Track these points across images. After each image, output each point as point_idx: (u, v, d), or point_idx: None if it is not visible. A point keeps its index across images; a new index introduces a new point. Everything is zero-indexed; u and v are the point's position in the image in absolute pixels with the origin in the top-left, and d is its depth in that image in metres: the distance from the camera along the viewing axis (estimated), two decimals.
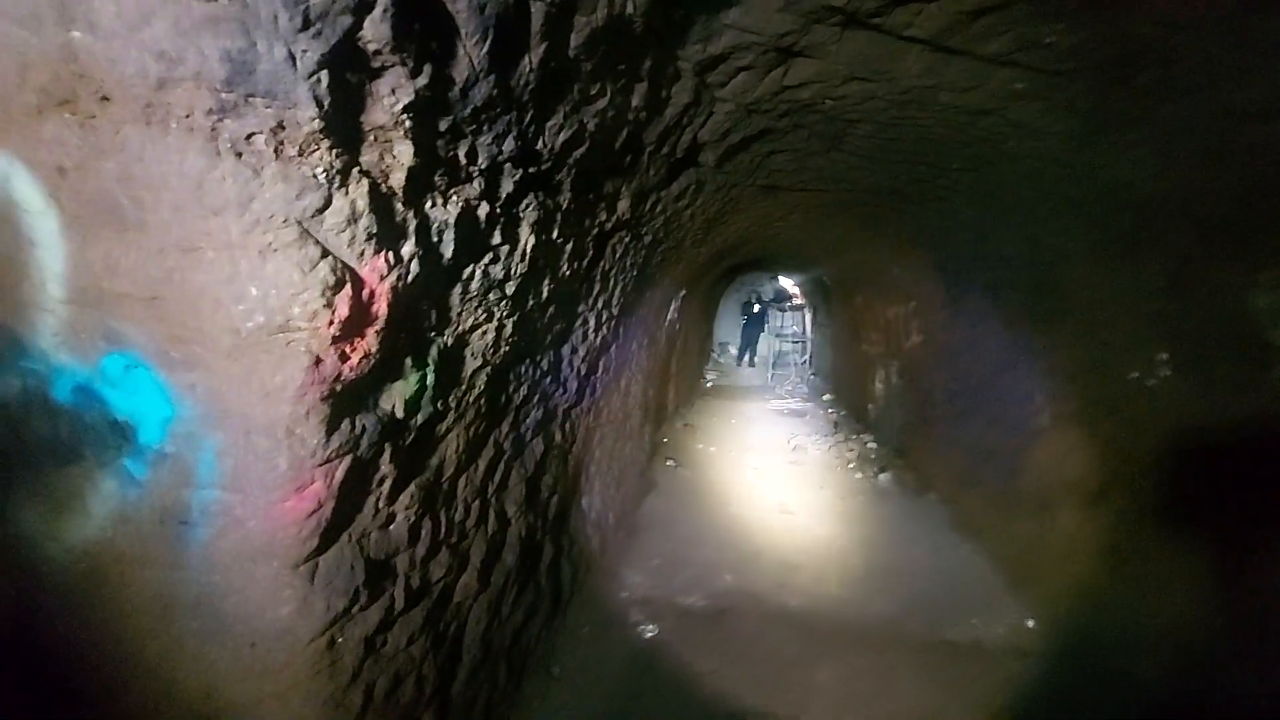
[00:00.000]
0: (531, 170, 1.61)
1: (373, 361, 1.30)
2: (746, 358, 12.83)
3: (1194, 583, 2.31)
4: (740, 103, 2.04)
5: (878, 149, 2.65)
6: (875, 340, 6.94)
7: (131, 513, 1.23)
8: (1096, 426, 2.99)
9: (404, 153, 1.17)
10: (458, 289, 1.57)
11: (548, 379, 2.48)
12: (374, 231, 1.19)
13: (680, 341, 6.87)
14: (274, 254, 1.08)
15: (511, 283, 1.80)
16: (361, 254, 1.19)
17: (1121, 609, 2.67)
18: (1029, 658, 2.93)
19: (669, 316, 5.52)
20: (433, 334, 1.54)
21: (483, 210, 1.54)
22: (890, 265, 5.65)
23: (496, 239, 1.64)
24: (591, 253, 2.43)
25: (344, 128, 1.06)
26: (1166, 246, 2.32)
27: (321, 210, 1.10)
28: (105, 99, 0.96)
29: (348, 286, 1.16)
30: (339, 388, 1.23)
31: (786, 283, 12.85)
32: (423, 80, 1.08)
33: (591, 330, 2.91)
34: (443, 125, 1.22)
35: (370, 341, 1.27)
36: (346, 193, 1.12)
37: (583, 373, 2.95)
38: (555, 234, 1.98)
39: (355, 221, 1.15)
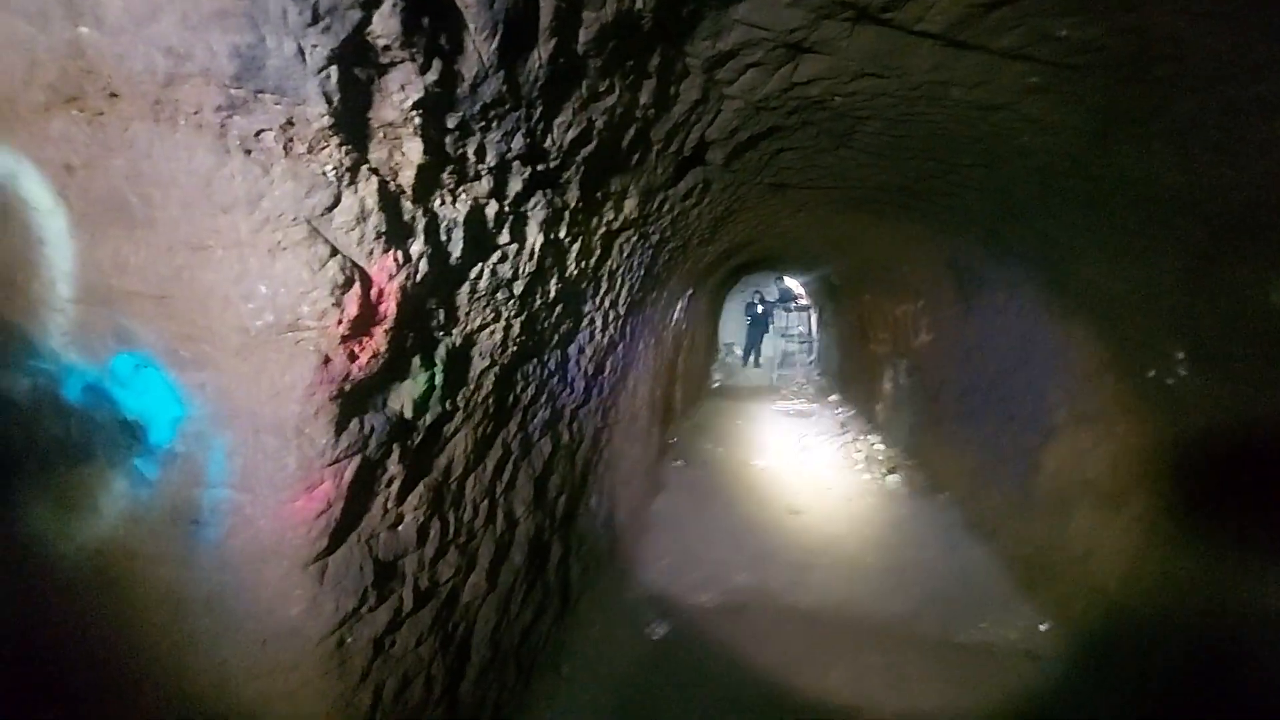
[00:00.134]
0: (539, 168, 1.60)
1: (381, 361, 1.29)
2: (751, 358, 12.80)
3: (1215, 586, 2.27)
4: (749, 100, 2.02)
5: (887, 146, 2.63)
6: (883, 339, 6.88)
7: (143, 512, 1.23)
8: (1114, 425, 2.95)
9: (413, 150, 1.17)
10: (465, 288, 1.56)
11: (555, 379, 2.47)
12: (383, 230, 1.18)
13: (687, 341, 6.85)
14: (283, 252, 1.07)
15: (519, 282, 1.79)
16: (370, 253, 1.18)
17: (1138, 612, 2.63)
18: (1042, 660, 2.89)
19: (676, 316, 5.51)
20: (441, 334, 1.54)
21: (491, 209, 1.53)
22: (899, 263, 5.60)
23: (504, 238, 1.64)
24: (599, 252, 2.42)
25: (353, 124, 1.05)
26: (1182, 242, 2.28)
27: (331, 208, 1.09)
28: (113, 95, 0.96)
29: (356, 285, 1.16)
30: (348, 387, 1.23)
31: (791, 283, 12.80)
32: (432, 76, 1.07)
33: (599, 330, 2.90)
34: (452, 122, 1.21)
35: (379, 341, 1.26)
36: (355, 191, 1.12)
37: (590, 373, 2.93)
38: (563, 233, 1.97)
39: (364, 220, 1.14)
